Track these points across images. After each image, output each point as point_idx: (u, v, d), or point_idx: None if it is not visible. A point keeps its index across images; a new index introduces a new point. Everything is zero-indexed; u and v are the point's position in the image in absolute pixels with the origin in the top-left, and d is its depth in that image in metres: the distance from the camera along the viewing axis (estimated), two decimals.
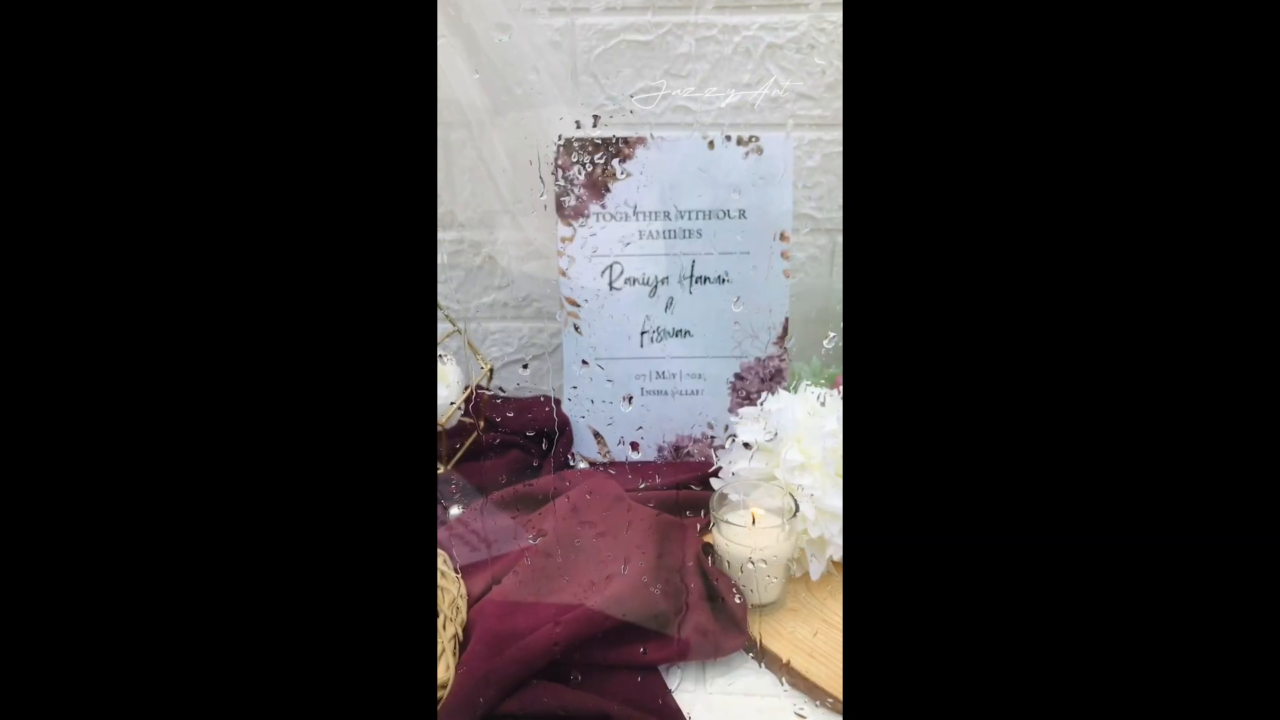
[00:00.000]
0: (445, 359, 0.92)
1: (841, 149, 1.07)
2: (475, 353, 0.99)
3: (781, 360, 0.95)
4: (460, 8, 0.96)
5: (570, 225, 0.93)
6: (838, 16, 1.02)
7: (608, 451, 0.95)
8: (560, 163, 0.92)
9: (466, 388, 0.93)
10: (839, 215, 1.09)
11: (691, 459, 0.96)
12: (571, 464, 0.96)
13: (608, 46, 1.03)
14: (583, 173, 0.92)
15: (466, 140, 1.04)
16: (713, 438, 0.96)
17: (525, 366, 1.14)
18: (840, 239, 1.11)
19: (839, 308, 1.12)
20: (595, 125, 1.04)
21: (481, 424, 0.95)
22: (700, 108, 1.05)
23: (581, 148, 0.92)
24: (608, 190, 0.92)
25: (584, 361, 0.94)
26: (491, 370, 0.98)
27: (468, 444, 0.93)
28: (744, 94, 1.05)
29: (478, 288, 1.11)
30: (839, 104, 1.05)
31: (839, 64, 1.03)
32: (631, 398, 0.94)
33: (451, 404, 0.90)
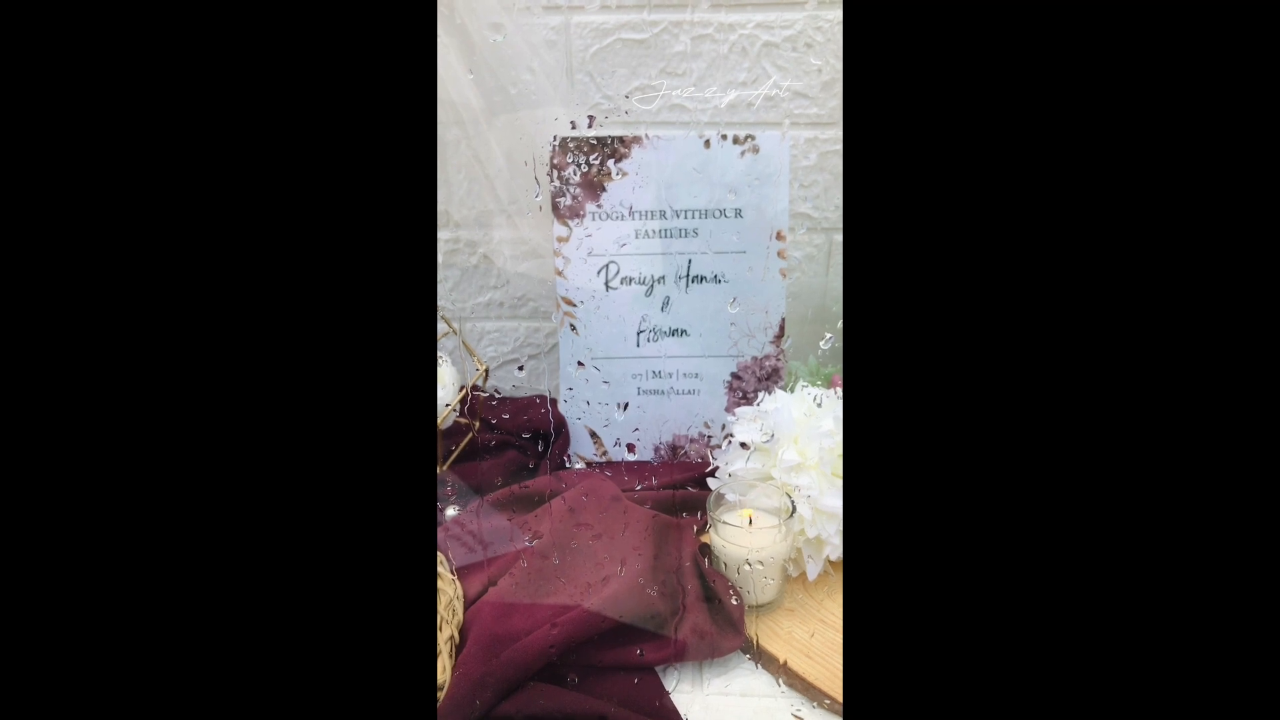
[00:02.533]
0: (440, 359, 0.92)
1: (839, 148, 1.07)
2: (471, 353, 0.99)
3: (778, 360, 0.94)
4: (454, 7, 0.95)
5: (566, 225, 0.92)
6: (833, 15, 1.01)
7: (605, 452, 0.95)
8: (556, 162, 0.91)
9: (462, 388, 0.92)
10: (835, 214, 1.09)
11: (688, 459, 0.95)
12: (568, 465, 0.96)
13: (603, 45, 1.03)
14: (578, 172, 0.92)
15: (461, 139, 1.03)
16: (709, 437, 0.95)
17: (521, 368, 1.13)
18: (837, 238, 1.10)
19: (835, 307, 1.12)
20: (591, 125, 1.04)
21: (477, 425, 0.95)
22: (697, 106, 1.05)
23: (577, 147, 0.92)
24: (604, 190, 0.92)
25: (579, 363, 0.94)
26: (487, 371, 0.98)
27: (463, 445, 0.93)
28: (740, 93, 1.05)
29: (473, 287, 1.11)
30: (835, 103, 1.05)
31: (835, 63, 1.03)
32: (626, 405, 0.94)
33: (446, 405, 0.89)
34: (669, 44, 1.03)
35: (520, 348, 1.13)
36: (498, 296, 1.11)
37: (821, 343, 0.96)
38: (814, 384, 0.92)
